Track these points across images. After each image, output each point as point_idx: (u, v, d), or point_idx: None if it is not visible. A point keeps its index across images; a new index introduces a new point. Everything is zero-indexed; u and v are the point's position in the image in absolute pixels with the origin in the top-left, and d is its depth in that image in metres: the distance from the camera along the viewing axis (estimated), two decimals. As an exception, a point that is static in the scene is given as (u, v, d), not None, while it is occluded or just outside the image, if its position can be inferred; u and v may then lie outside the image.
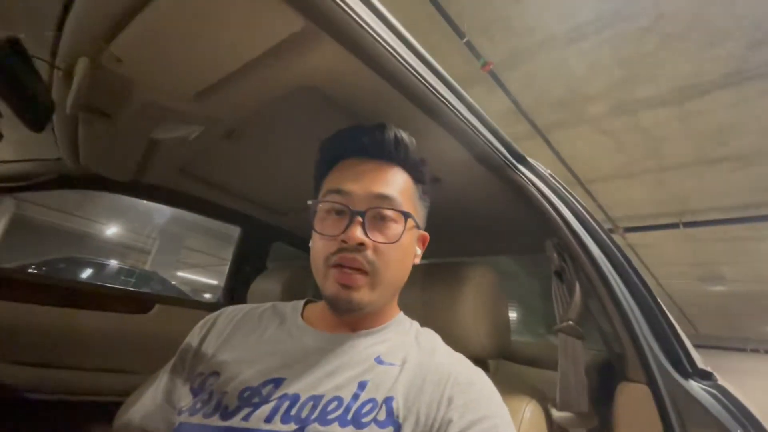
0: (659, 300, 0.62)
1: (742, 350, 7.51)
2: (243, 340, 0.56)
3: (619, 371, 0.61)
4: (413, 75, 0.54)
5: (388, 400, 0.46)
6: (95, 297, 1.25)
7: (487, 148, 0.66)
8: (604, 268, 0.61)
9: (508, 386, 0.60)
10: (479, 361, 0.54)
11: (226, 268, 1.55)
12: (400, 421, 0.44)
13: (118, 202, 6.62)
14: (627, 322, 0.57)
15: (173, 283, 6.68)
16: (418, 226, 0.57)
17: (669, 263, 5.13)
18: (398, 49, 0.51)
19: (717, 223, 3.75)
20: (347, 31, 0.47)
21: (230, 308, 0.63)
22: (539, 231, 0.74)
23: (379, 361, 0.51)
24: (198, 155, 0.96)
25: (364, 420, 0.44)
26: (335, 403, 0.46)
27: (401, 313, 0.61)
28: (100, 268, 5.69)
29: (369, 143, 0.56)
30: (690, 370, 0.57)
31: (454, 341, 0.58)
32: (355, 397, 0.46)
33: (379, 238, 0.51)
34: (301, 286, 1.22)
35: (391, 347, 0.53)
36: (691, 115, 2.63)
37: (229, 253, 1.57)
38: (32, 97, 0.64)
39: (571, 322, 0.62)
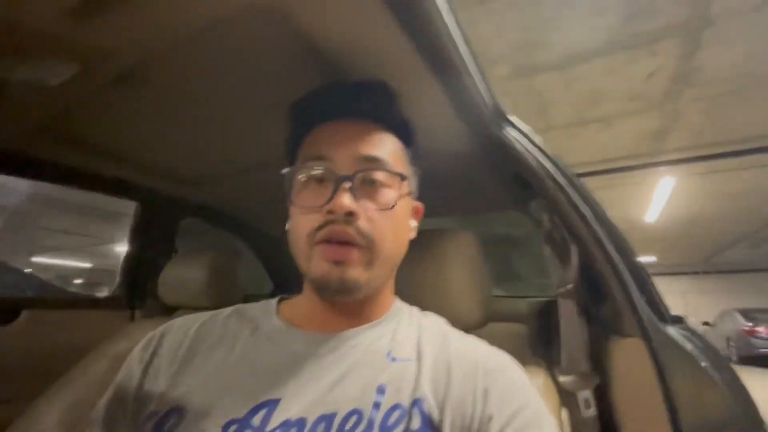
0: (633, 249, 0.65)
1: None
2: (207, 358, 0.43)
3: (612, 328, 0.63)
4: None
5: (417, 403, 0.38)
6: None
7: (475, 100, 0.58)
8: (594, 225, 0.61)
9: (515, 354, 0.56)
10: (469, 331, 0.50)
11: (104, 248, 1.23)
12: (436, 423, 0.37)
13: None
14: (621, 279, 0.58)
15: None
16: (411, 194, 0.51)
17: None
18: None
19: (582, 176, 4.47)
20: None
21: (178, 321, 0.48)
22: (522, 189, 0.70)
23: (391, 358, 0.42)
24: (73, 107, 0.67)
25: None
26: (354, 418, 0.36)
27: (398, 299, 0.52)
28: None
29: (351, 103, 0.49)
30: (666, 317, 0.61)
31: (443, 313, 0.53)
32: (377, 406, 0.37)
33: (370, 205, 0.43)
34: (233, 273, 1.02)
35: (399, 341, 0.45)
36: (574, 81, 2.97)
37: (104, 231, 1.24)
38: None
39: (570, 286, 0.61)
